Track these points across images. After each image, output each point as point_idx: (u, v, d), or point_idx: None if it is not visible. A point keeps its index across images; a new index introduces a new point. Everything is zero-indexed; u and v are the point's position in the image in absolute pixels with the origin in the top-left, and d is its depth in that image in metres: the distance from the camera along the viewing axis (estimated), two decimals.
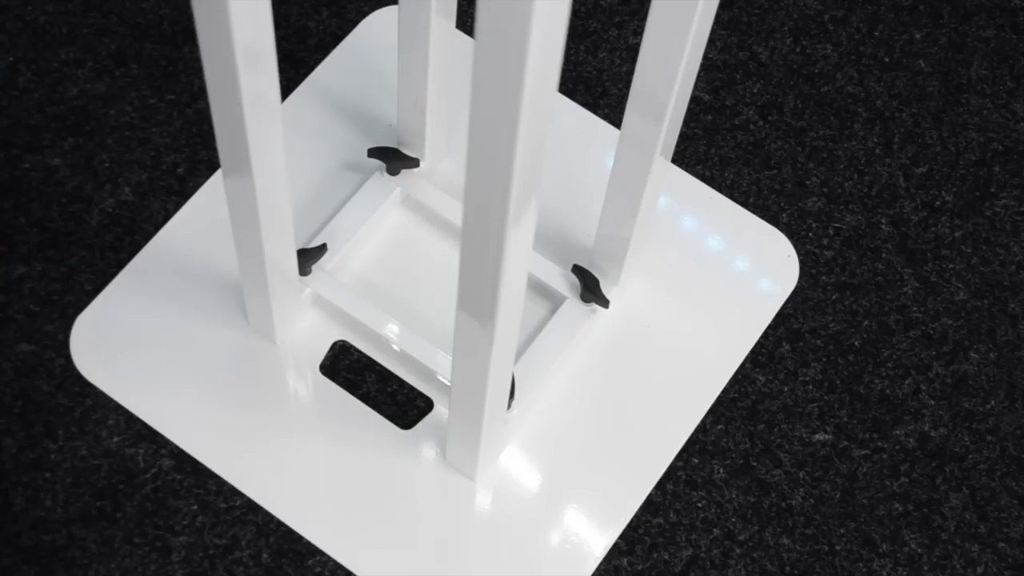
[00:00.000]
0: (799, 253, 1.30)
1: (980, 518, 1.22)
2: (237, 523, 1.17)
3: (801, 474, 1.22)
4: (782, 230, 1.31)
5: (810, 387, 1.25)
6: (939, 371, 1.27)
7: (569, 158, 1.32)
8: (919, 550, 1.20)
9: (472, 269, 0.88)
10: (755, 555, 1.19)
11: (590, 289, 1.23)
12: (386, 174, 1.27)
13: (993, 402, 1.26)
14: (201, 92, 1.33)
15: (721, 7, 1.38)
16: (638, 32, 1.38)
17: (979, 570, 1.20)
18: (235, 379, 1.21)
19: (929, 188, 1.34)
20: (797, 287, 1.29)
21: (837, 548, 1.20)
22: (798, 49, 1.40)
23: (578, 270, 1.24)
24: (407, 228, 1.29)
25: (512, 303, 0.91)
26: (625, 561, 1.18)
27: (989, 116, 1.38)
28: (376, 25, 1.37)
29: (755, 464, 1.22)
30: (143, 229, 1.27)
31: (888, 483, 1.22)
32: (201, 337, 1.22)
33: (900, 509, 1.21)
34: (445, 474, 1.19)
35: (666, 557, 1.18)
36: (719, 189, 1.33)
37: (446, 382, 1.20)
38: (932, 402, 1.26)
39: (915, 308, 1.29)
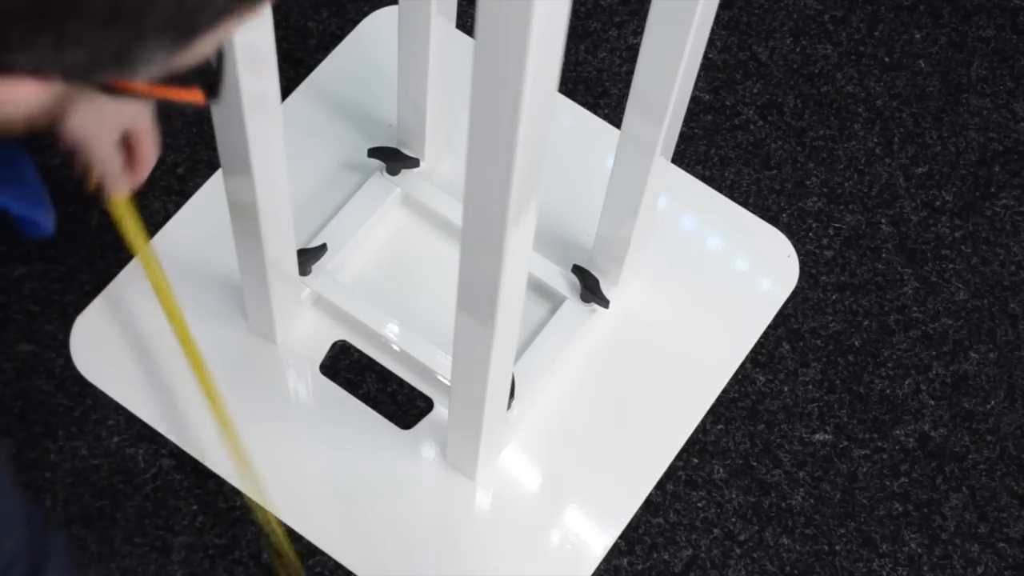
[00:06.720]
0: (799, 253, 1.30)
1: (980, 518, 1.21)
2: (237, 523, 1.17)
3: (801, 474, 1.22)
4: (782, 230, 1.31)
5: (810, 387, 1.25)
6: (939, 371, 1.27)
7: (569, 158, 1.32)
8: (919, 550, 1.20)
9: (472, 269, 0.88)
10: (755, 555, 1.19)
11: (590, 289, 1.22)
12: (386, 174, 1.27)
13: (993, 402, 1.26)
14: None
15: (721, 7, 1.38)
16: (638, 32, 1.38)
17: (979, 570, 1.20)
18: (235, 379, 1.21)
19: (929, 188, 1.34)
20: (797, 287, 1.29)
21: (837, 548, 1.20)
22: (798, 49, 1.40)
23: (578, 270, 1.24)
24: (407, 228, 1.29)
25: (512, 303, 0.91)
26: (625, 561, 1.18)
27: (989, 116, 1.38)
28: (376, 25, 1.37)
29: (755, 464, 1.22)
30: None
31: (888, 483, 1.22)
32: (201, 337, 1.22)
33: (900, 509, 1.21)
34: (445, 474, 1.19)
35: (666, 557, 1.18)
36: (719, 189, 1.33)
37: (446, 382, 1.20)
38: (932, 402, 1.25)
39: (915, 308, 1.29)
